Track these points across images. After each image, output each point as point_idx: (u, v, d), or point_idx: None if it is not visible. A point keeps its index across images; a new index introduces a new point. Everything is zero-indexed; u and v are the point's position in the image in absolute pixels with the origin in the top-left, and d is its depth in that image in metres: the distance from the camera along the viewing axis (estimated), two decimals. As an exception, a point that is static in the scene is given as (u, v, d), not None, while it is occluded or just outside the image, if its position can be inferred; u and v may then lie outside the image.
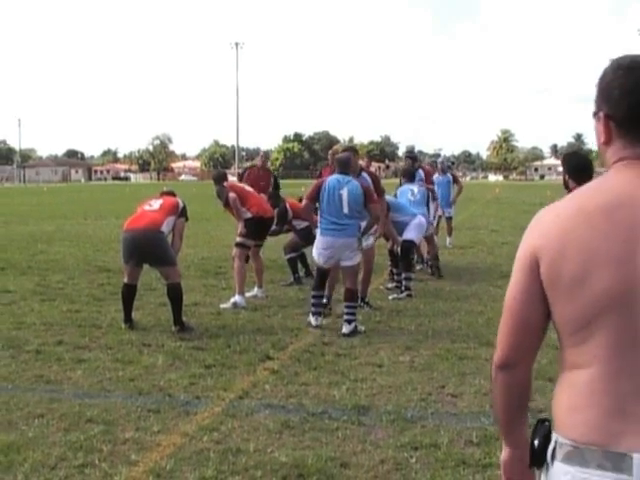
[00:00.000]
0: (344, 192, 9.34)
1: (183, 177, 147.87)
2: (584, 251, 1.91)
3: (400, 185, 13.66)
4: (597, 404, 1.93)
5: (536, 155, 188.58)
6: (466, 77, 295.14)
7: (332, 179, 9.54)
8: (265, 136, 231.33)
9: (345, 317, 9.16)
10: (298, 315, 10.03)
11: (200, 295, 11.51)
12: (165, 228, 9.29)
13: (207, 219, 24.77)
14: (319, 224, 9.56)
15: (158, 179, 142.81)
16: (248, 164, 14.53)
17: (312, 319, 9.39)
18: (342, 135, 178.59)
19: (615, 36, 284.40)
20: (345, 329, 9.03)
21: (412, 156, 15.32)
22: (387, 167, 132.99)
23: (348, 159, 9.83)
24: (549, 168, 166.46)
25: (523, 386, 2.16)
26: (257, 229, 11.00)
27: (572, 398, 1.99)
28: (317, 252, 9.57)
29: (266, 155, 15.57)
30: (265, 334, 8.92)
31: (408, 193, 13.09)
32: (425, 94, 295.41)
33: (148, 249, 9.14)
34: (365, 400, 6.50)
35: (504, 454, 2.26)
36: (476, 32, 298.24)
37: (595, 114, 2.06)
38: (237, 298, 10.66)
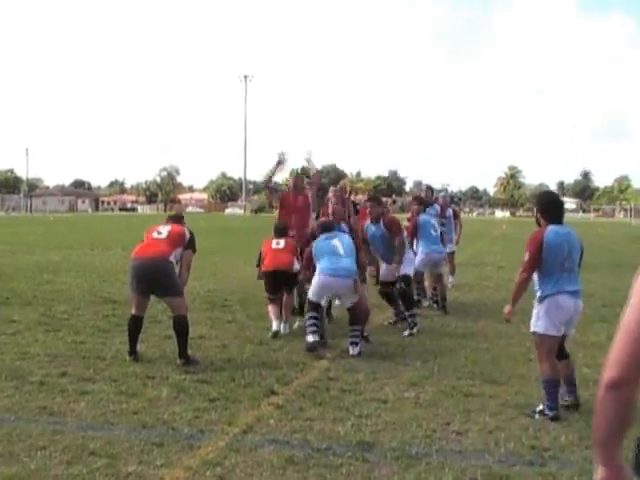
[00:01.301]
0: (335, 241, 10.31)
1: (190, 209, 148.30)
2: None
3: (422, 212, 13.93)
4: None
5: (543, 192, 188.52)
6: (475, 113, 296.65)
7: (319, 241, 10.44)
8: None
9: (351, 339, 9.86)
10: (303, 350, 10.00)
11: (206, 328, 11.49)
12: (173, 259, 9.29)
13: (213, 252, 24.81)
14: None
15: (165, 210, 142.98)
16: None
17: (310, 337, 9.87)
18: (349, 169, 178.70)
19: (616, 80, 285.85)
20: (352, 351, 9.75)
21: (431, 188, 15.51)
22: (394, 202, 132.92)
23: (331, 224, 10.81)
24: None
25: (631, 405, 2.27)
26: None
27: None
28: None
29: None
30: (270, 368, 8.90)
31: (430, 228, 13.27)
32: (433, 129, 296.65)
33: (156, 277, 9.10)
34: (370, 436, 6.47)
35: (600, 474, 2.34)
36: (485, 68, 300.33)
37: None
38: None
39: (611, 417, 2.27)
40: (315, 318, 9.91)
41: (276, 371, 8.77)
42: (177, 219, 10.03)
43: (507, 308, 7.56)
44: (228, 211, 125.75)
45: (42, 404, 7.23)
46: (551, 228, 7.30)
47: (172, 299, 9.26)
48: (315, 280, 10.07)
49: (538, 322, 7.33)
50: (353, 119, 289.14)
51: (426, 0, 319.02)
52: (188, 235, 9.60)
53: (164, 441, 6.24)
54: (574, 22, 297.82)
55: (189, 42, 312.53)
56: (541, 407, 7.30)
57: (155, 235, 9.51)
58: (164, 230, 9.54)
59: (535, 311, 7.40)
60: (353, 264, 10.17)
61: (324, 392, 7.90)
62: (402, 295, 11.68)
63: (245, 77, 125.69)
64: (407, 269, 11.76)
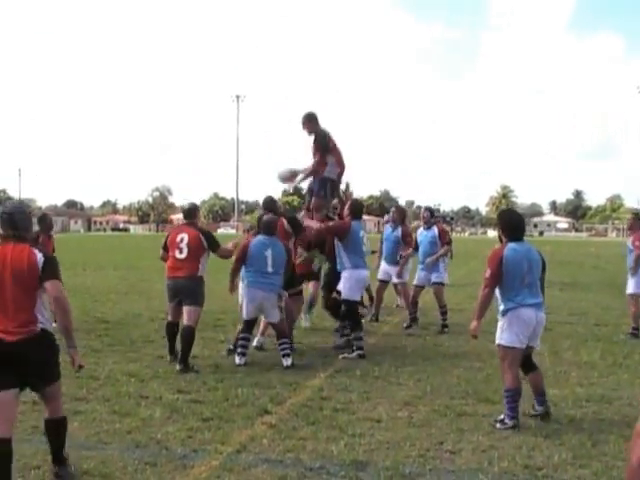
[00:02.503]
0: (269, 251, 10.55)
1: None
2: None
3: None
4: None
5: (535, 211, 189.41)
6: (466, 132, 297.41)
7: (256, 241, 10.70)
8: (265, 189, 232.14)
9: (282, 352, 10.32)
10: (297, 369, 10.00)
11: (198, 348, 11.45)
12: (202, 272, 10.42)
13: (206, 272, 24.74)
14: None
15: (157, 230, 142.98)
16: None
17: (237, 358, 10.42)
18: (341, 189, 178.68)
19: (612, 92, 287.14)
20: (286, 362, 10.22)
21: (431, 209, 15.19)
22: (387, 222, 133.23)
23: (274, 222, 10.92)
24: (548, 224, 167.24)
25: None
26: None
27: None
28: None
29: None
30: (263, 388, 8.89)
31: (428, 247, 13.54)
32: (425, 149, 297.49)
33: (188, 291, 10.25)
34: (363, 456, 6.47)
35: None
36: (475, 88, 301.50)
37: None
38: None
39: None
40: (245, 339, 10.58)
41: (269, 390, 8.76)
42: (191, 225, 10.64)
43: (473, 324, 7.72)
44: (220, 231, 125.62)
45: (35, 424, 7.20)
46: (510, 245, 7.59)
47: (193, 308, 10.26)
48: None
49: (502, 335, 7.60)
50: (345, 138, 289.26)
51: (415, 16, 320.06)
52: (204, 240, 10.36)
53: (157, 461, 6.23)
54: (564, 43, 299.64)
55: (181, 63, 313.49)
56: (502, 416, 7.54)
57: (178, 256, 10.35)
58: (184, 247, 10.30)
59: (499, 324, 7.66)
60: (280, 280, 10.66)
61: (317, 411, 7.89)
62: (350, 315, 11.49)
63: (237, 97, 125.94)
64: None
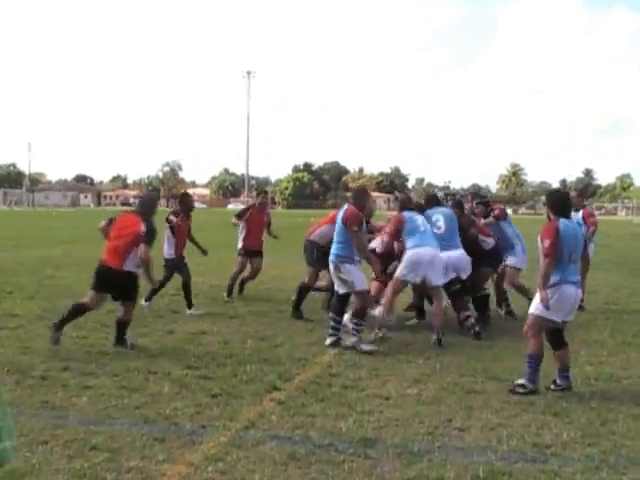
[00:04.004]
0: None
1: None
2: None
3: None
4: None
5: (545, 189, 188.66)
6: (476, 111, 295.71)
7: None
8: (275, 165, 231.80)
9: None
10: (305, 346, 10.00)
11: (207, 324, 11.49)
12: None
13: (217, 247, 24.72)
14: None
15: (167, 206, 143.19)
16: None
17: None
18: (352, 166, 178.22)
19: (620, 76, 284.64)
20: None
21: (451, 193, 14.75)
22: (396, 198, 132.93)
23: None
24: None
25: None
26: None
27: None
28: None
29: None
30: (272, 364, 8.88)
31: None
32: (435, 127, 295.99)
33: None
34: (372, 433, 6.46)
35: None
36: (488, 67, 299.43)
37: None
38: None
39: None
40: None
41: (278, 367, 8.75)
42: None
43: (541, 295, 7.81)
44: (231, 206, 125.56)
45: (44, 398, 7.22)
46: (562, 220, 7.93)
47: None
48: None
49: (540, 306, 7.84)
50: (356, 116, 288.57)
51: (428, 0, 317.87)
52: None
53: (166, 436, 6.23)
54: (577, 19, 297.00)
55: (192, 38, 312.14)
56: (521, 381, 7.87)
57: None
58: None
59: (537, 295, 7.92)
60: None
61: (326, 388, 7.88)
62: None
63: (248, 73, 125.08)
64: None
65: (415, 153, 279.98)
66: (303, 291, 12.51)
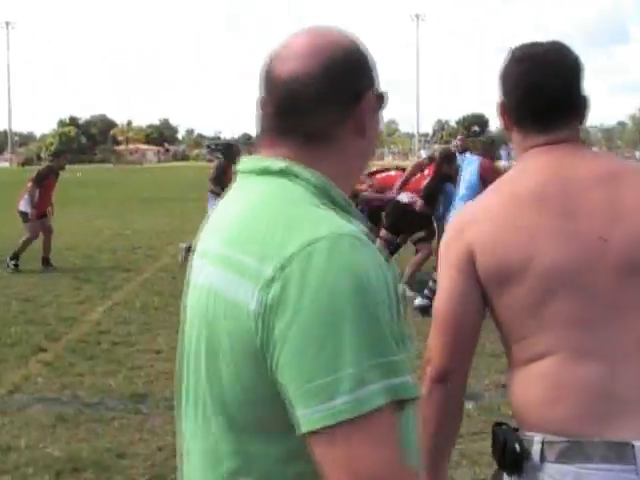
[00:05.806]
0: None
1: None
2: (524, 233, 1.86)
3: None
4: (578, 392, 1.81)
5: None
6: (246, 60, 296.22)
7: None
8: (40, 120, 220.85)
9: None
10: (73, 305, 9.77)
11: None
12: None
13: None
14: None
15: None
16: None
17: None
18: (120, 118, 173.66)
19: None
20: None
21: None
22: (167, 150, 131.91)
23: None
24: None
25: (459, 401, 2.03)
26: None
27: (547, 391, 1.84)
28: None
29: None
30: (38, 325, 8.63)
31: None
32: (204, 76, 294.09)
33: None
34: (142, 387, 6.47)
35: None
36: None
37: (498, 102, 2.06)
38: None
39: (440, 417, 1.98)
40: None
41: (44, 327, 8.53)
42: None
43: None
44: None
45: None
46: None
47: None
48: None
49: None
50: (121, 66, 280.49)
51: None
52: None
53: None
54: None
55: None
56: None
57: None
58: None
59: None
60: None
61: (95, 346, 7.77)
62: None
63: (7, 23, 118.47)
64: None
65: (184, 104, 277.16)
66: None
